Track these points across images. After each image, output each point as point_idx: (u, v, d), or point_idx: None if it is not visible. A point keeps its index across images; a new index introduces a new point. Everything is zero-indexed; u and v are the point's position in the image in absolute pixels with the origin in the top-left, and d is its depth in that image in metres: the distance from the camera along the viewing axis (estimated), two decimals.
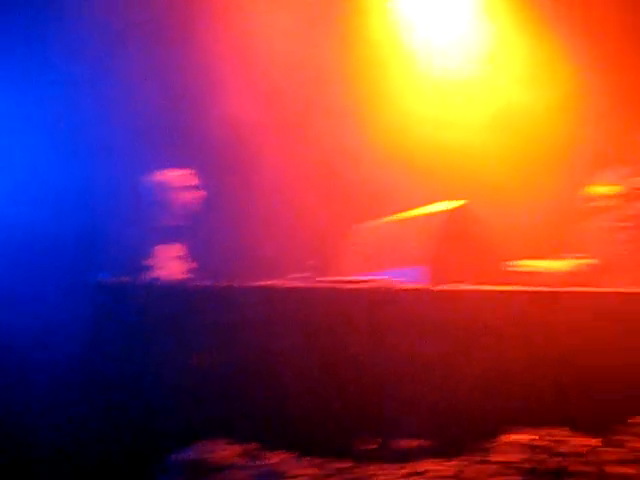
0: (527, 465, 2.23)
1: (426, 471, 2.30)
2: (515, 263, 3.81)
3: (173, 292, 3.00)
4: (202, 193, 4.03)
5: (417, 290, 2.98)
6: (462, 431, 2.58)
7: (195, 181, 4.04)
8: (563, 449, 2.30)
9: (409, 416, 2.65)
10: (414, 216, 3.94)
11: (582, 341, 2.78)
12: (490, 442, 2.46)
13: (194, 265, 3.88)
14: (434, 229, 3.64)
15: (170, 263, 3.84)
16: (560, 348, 2.80)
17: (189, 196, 4.00)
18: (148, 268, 3.66)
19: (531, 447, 2.33)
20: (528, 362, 2.78)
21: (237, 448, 2.52)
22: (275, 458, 2.49)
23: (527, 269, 3.78)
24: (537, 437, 2.39)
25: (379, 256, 3.76)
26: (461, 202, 3.76)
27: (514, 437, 2.44)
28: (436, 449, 2.49)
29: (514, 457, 2.29)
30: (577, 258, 3.84)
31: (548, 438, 2.37)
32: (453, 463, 2.35)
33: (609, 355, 2.75)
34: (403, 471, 2.32)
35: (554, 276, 3.68)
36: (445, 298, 2.93)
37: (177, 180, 4.02)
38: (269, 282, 3.05)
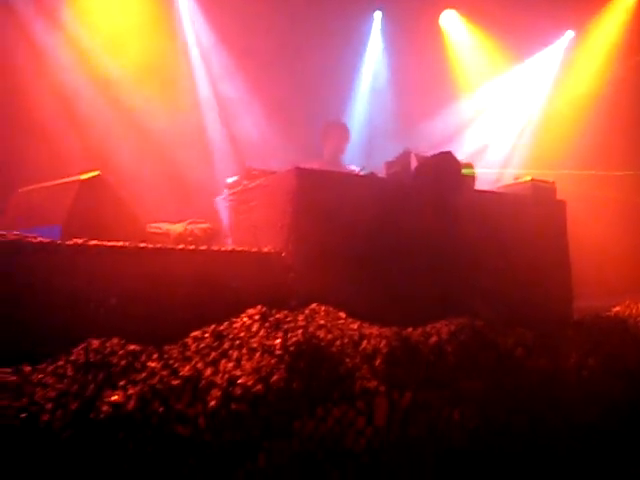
0: None
1: None
2: (152, 225, 4.59)
3: None
4: None
5: (44, 243, 3.41)
6: None
7: None
8: None
9: None
10: (53, 184, 4.41)
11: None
12: None
13: None
14: (69, 194, 4.15)
15: None
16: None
17: None
18: None
19: None
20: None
21: None
22: None
23: (159, 230, 4.60)
24: None
25: (25, 218, 4.17)
26: (94, 173, 4.32)
27: None
28: None
29: None
30: (194, 223, 4.72)
31: None
32: None
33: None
34: None
35: (175, 236, 4.52)
36: (73, 250, 3.47)
37: None
38: None
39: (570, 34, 9.15)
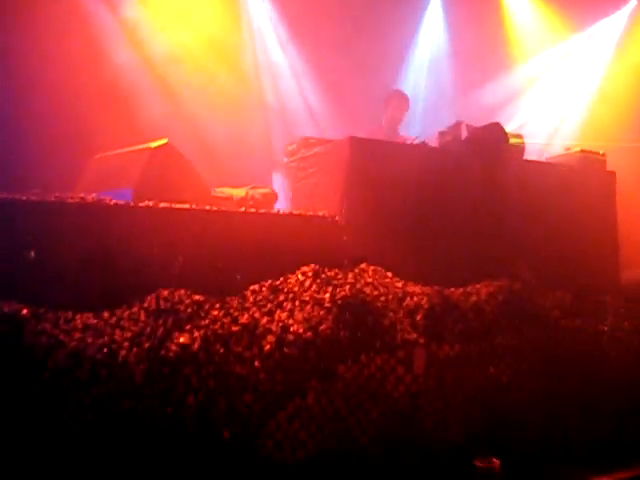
0: None
1: None
2: (216, 190, 4.94)
3: None
4: None
5: (119, 205, 3.78)
6: None
7: None
8: None
9: None
10: (126, 151, 4.81)
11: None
12: None
13: None
14: (140, 161, 4.53)
15: None
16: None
17: None
18: None
19: None
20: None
21: None
22: None
23: (223, 194, 4.95)
24: None
25: (100, 182, 4.57)
26: (163, 141, 4.68)
27: None
28: None
29: None
30: (255, 188, 5.05)
31: None
32: None
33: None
34: None
35: (237, 200, 4.87)
36: (145, 212, 3.84)
37: None
38: None
39: (633, 2, 8.99)
